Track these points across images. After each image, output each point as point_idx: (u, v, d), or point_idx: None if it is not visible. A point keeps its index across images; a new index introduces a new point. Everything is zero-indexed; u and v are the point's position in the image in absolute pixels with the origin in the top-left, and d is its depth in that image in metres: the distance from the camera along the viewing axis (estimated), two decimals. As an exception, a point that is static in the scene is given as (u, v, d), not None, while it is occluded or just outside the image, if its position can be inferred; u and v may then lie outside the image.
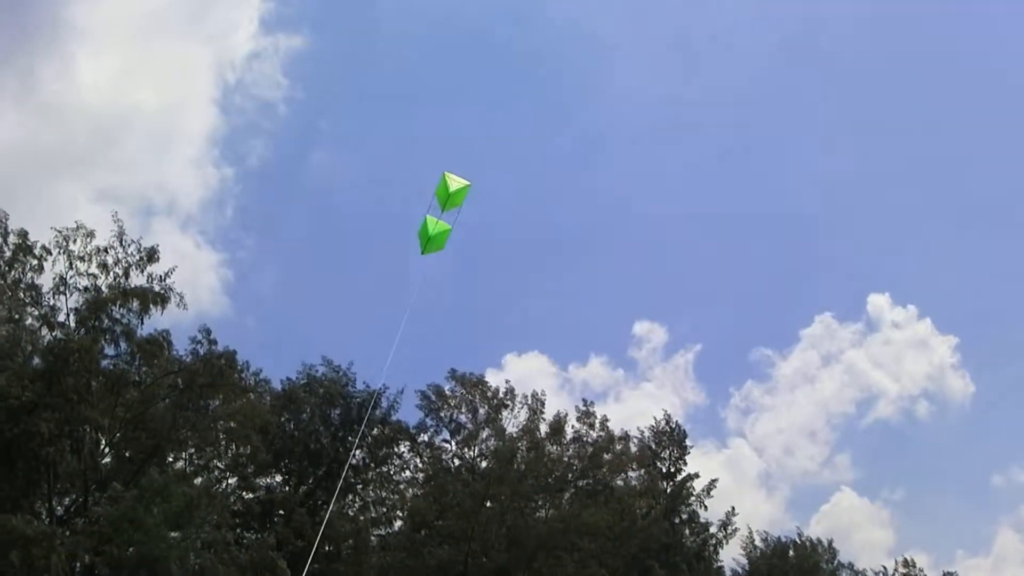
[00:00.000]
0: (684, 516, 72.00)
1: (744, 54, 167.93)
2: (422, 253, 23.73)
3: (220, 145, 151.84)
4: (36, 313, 51.03)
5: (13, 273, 50.39)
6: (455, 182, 23.24)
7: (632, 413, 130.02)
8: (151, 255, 52.62)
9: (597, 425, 66.08)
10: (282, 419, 63.58)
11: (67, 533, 44.44)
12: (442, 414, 67.73)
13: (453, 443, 67.85)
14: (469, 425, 67.44)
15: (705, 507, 71.46)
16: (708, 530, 72.00)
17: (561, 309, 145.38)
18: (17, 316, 48.17)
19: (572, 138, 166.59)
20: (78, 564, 45.71)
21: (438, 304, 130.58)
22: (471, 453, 66.97)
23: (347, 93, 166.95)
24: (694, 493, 71.40)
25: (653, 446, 72.56)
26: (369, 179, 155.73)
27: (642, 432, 71.99)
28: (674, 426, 74.05)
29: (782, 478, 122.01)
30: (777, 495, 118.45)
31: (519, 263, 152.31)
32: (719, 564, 73.37)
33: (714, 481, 71.29)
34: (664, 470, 72.50)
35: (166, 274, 52.59)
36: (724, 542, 72.12)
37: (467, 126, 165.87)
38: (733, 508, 71.81)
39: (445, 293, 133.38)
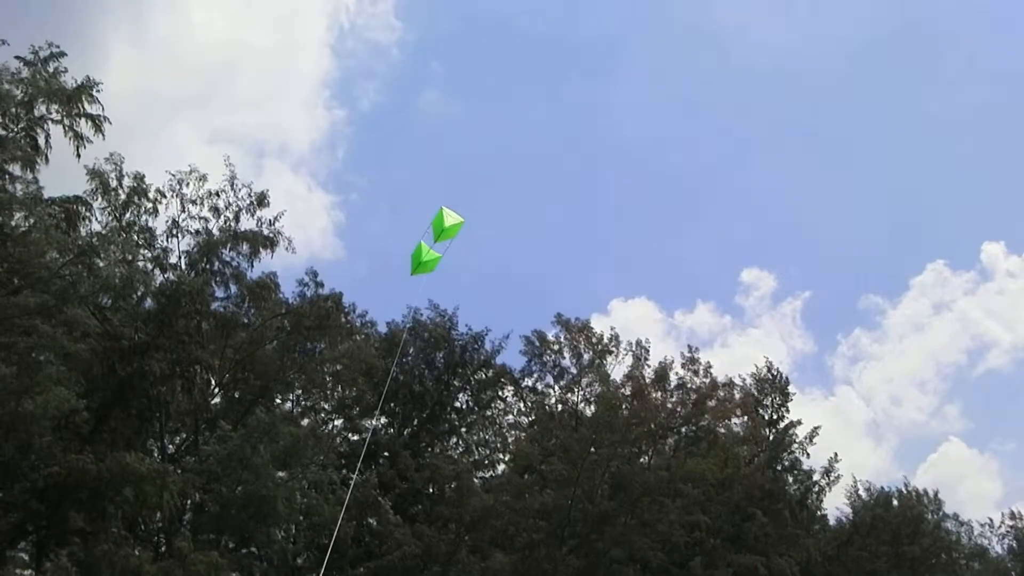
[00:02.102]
0: (786, 463, 70.64)
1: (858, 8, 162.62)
2: (412, 274, 24.48)
3: (332, 87, 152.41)
4: (149, 255, 51.04)
5: (128, 215, 50.21)
6: (451, 218, 23.85)
7: (738, 360, 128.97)
8: (261, 199, 52.56)
9: (701, 372, 65.09)
10: (387, 362, 62.73)
11: (178, 471, 45.06)
12: (545, 359, 67.64)
13: (556, 388, 67.84)
14: (573, 370, 67.31)
15: (808, 455, 70.05)
16: (811, 478, 70.63)
17: (669, 255, 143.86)
18: (131, 258, 47.38)
19: (683, 88, 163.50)
20: (188, 502, 46.50)
21: (546, 249, 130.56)
22: (574, 398, 66.78)
23: (460, 36, 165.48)
24: (797, 440, 69.88)
25: (756, 393, 71.12)
26: (480, 122, 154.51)
27: (744, 379, 70.62)
28: (776, 373, 72.54)
29: (890, 427, 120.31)
30: (884, 444, 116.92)
31: (628, 209, 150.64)
32: (823, 512, 72.29)
33: (816, 428, 69.80)
34: (767, 417, 71.10)
35: (275, 218, 52.60)
36: (827, 490, 70.88)
37: (575, 68, 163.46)
38: (836, 454, 70.36)
39: (553, 238, 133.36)
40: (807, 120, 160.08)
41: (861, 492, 72.76)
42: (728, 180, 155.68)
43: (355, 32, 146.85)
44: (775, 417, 71.05)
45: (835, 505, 72.45)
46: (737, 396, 67.92)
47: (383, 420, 62.70)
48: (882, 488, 74.14)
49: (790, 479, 70.15)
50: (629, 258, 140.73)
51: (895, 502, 73.33)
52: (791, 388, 72.45)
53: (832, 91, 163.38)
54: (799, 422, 69.83)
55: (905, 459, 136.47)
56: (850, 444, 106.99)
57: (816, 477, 70.67)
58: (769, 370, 72.11)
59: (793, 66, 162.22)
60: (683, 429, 65.29)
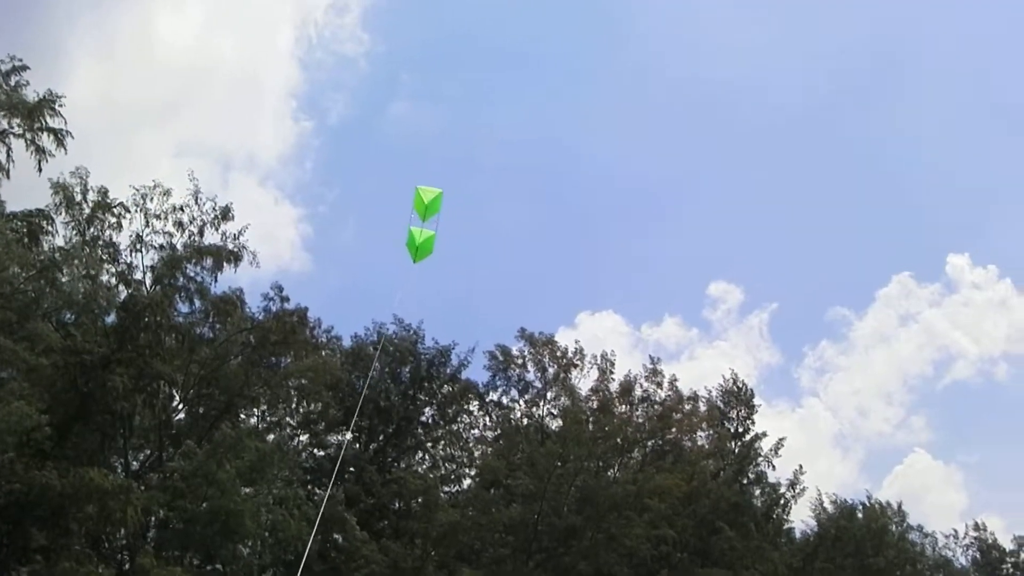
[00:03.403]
0: (752, 476, 70.60)
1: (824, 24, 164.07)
2: (414, 262, 24.90)
3: (300, 99, 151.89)
4: (113, 270, 50.87)
5: (92, 230, 50.04)
6: (428, 193, 24.61)
7: (706, 372, 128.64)
8: (225, 213, 52.45)
9: (665, 385, 65.74)
10: (352, 376, 63.13)
11: (142, 487, 44.49)
12: (510, 373, 67.34)
13: (521, 402, 67.73)
14: (538, 384, 66.98)
15: (773, 467, 69.99)
16: (777, 491, 70.58)
17: (636, 268, 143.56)
18: (94, 273, 47.61)
19: (648, 101, 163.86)
20: (152, 518, 46.08)
21: (512, 262, 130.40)
22: (540, 413, 66.48)
23: (427, 47, 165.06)
24: (762, 452, 69.90)
25: (721, 406, 71.15)
26: (448, 133, 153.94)
27: (710, 392, 70.65)
28: (741, 385, 72.57)
29: (856, 439, 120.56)
30: (851, 456, 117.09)
31: (595, 222, 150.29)
32: (789, 524, 72.16)
33: (782, 440, 69.79)
34: (733, 430, 71.13)
35: (240, 232, 52.53)
36: (793, 502, 70.67)
37: (544, 81, 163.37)
38: (801, 466, 70.15)
39: (520, 251, 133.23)
40: (772, 132, 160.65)
41: (826, 504, 72.64)
42: (695, 193, 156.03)
43: (323, 44, 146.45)
44: (741, 430, 71.08)
45: (800, 518, 72.28)
46: (703, 409, 68.07)
47: (349, 435, 62.12)
48: (844, 501, 74.14)
49: (756, 492, 70.07)
50: (596, 271, 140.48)
51: (859, 514, 73.25)
52: (757, 400, 72.69)
53: (798, 102, 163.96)
54: (765, 434, 69.96)
55: (871, 470, 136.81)
56: (817, 456, 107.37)
57: (782, 490, 70.57)
58: (735, 382, 72.21)
59: (758, 78, 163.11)
60: (649, 443, 65.21)
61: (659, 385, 65.54)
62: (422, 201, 24.48)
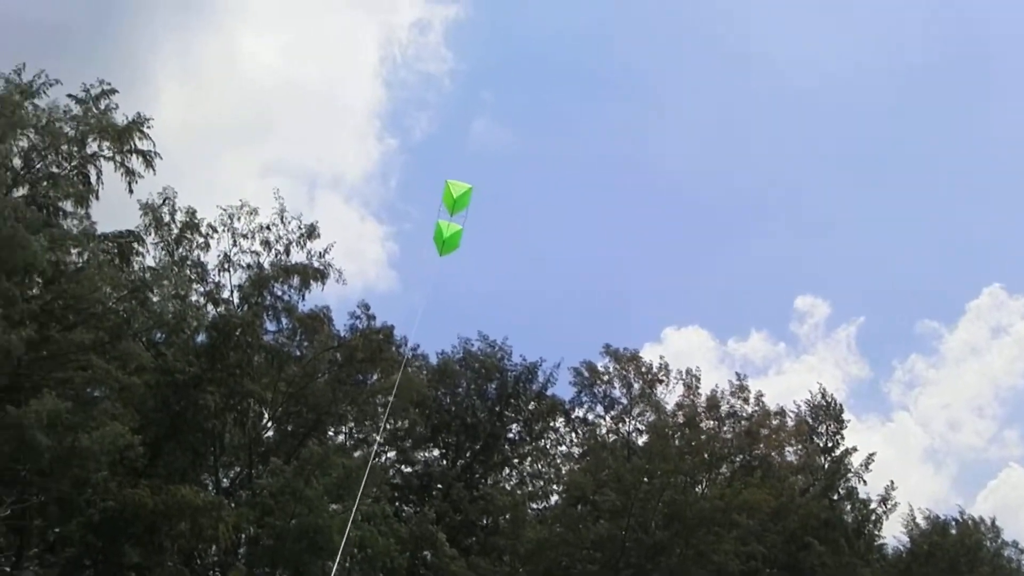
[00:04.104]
0: (842, 492, 69.28)
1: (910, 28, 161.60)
2: (440, 255, 24.93)
3: (384, 118, 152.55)
4: (202, 290, 51.45)
5: (180, 250, 50.34)
6: (458, 187, 24.41)
7: (794, 387, 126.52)
8: (311, 232, 52.75)
9: (752, 400, 65.23)
10: (439, 393, 63.42)
11: (232, 504, 45.26)
12: (596, 390, 67.30)
13: (607, 418, 67.42)
14: (623, 400, 66.93)
15: (864, 482, 68.51)
16: (868, 506, 69.17)
17: (722, 283, 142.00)
18: (184, 293, 47.40)
19: (731, 113, 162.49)
20: (243, 535, 46.19)
21: (598, 278, 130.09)
22: (626, 428, 66.27)
23: (509, 63, 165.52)
24: (852, 468, 68.62)
25: (810, 421, 70.04)
26: (530, 150, 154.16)
27: (798, 406, 69.53)
28: (830, 400, 71.26)
29: (948, 453, 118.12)
30: (943, 471, 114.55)
31: (681, 237, 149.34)
32: (880, 541, 70.65)
33: (872, 455, 68.28)
34: (822, 445, 69.95)
35: (325, 250, 52.88)
36: (885, 518, 69.15)
37: (624, 94, 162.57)
38: (892, 482, 68.68)
39: (605, 267, 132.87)
40: (859, 143, 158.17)
41: (919, 520, 71.07)
42: (781, 207, 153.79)
43: (406, 63, 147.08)
44: (830, 445, 69.80)
45: (892, 534, 70.77)
46: (791, 424, 67.19)
47: (436, 452, 62.17)
48: (936, 517, 72.56)
49: (847, 507, 68.71)
50: (682, 286, 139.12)
51: (953, 530, 71.64)
52: (846, 415, 71.09)
53: (885, 113, 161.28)
54: (854, 449, 68.55)
55: (965, 485, 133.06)
56: (908, 471, 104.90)
57: (873, 505, 69.17)
58: (823, 397, 70.96)
59: (843, 88, 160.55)
60: (737, 458, 64.37)
61: (746, 400, 65.14)
62: (451, 195, 24.40)
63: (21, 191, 40.67)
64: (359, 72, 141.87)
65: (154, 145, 44.89)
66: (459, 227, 24.76)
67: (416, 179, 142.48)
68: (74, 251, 41.18)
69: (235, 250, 52.17)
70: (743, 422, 64.70)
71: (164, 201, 49.31)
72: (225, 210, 51.72)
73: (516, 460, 67.39)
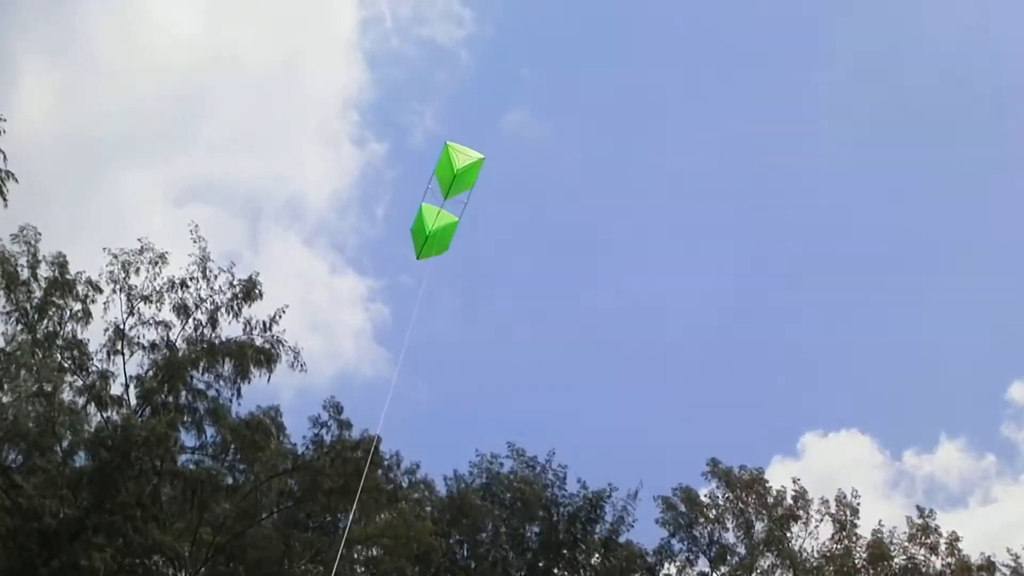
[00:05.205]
0: None
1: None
2: (417, 257, 23.98)
3: (365, 112, 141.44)
4: (79, 383, 47.40)
5: (46, 323, 47.14)
6: (462, 156, 23.06)
7: (1013, 523, 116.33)
8: (250, 290, 49.32)
9: (943, 546, 58.54)
10: (451, 541, 58.71)
11: None
12: (697, 531, 61.46)
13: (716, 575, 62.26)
14: (740, 548, 61.46)
15: None
16: None
17: (892, 365, 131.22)
18: (50, 388, 44.00)
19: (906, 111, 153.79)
20: None
21: (698, 354, 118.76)
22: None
23: (560, 25, 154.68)
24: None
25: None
26: (594, 156, 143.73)
27: (1016, 558, 60.88)
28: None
29: None
30: None
31: (824, 294, 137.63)
32: None
33: None
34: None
35: (273, 318, 49.49)
36: None
37: (734, 83, 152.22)
38: None
39: (707, 334, 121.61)
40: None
41: None
42: (979, 254, 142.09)
43: (400, 28, 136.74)
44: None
45: None
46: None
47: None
48: None
49: None
50: (828, 369, 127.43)
51: None
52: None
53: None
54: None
55: None
56: None
57: None
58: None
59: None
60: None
61: (933, 548, 59.01)
62: (450, 166, 22.87)
63: None
64: (327, 43, 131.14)
65: (4, 160, 40.43)
66: (453, 218, 23.66)
67: (416, 204, 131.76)
68: None
69: (132, 321, 48.55)
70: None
71: (22, 248, 46.52)
72: (116, 257, 47.71)
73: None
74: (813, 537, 60.46)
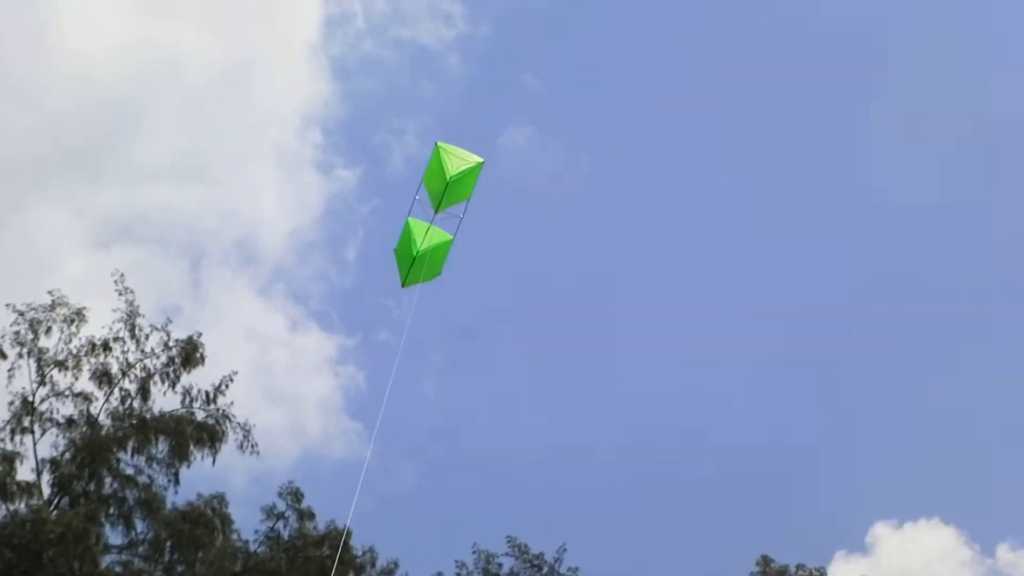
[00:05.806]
0: None
1: None
2: (403, 284, 24.77)
3: (331, 130, 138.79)
4: None
5: None
6: (457, 159, 23.17)
7: None
8: (189, 353, 49.09)
9: None
10: None
11: None
12: None
13: None
14: None
15: None
16: None
17: (980, 446, 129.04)
18: None
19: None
20: None
21: (740, 430, 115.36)
22: None
23: (574, 15, 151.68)
24: None
25: None
26: (619, 179, 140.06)
27: None
28: None
29: None
30: None
31: (899, 355, 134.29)
32: None
33: None
34: None
35: (219, 387, 49.14)
36: None
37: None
38: None
39: (754, 400, 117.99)
40: None
41: None
42: None
43: (375, 27, 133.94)
44: None
45: None
46: None
47: None
48: None
49: None
50: (904, 450, 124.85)
51: None
52: None
53: None
54: None
55: None
56: None
57: None
58: None
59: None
60: None
61: None
62: (442, 171, 23.08)
63: None
64: (284, 47, 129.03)
65: None
66: (447, 236, 24.20)
67: (393, 243, 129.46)
68: None
69: (43, 391, 47.90)
70: None
71: None
72: (23, 315, 47.55)
73: None
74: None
